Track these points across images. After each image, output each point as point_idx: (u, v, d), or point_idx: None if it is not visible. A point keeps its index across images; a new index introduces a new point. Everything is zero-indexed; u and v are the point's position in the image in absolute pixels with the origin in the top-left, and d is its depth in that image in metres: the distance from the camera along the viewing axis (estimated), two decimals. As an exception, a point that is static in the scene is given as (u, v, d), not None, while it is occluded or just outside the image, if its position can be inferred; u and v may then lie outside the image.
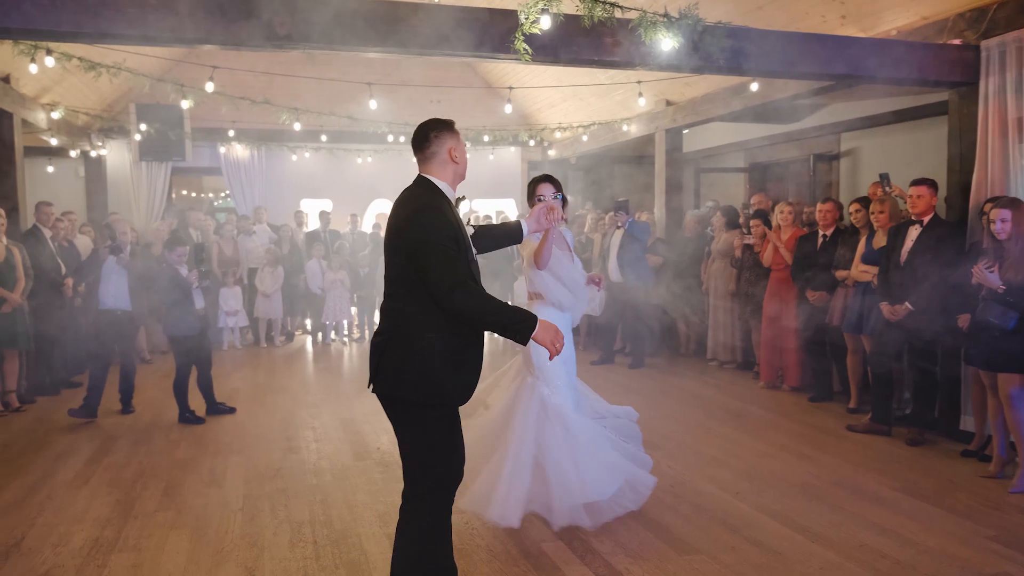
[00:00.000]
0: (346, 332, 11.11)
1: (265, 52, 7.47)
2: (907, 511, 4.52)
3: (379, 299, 9.72)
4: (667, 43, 4.76)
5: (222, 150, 11.66)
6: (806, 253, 7.13)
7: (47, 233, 7.83)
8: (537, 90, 11.60)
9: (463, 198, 3.27)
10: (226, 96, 8.57)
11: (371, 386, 3.08)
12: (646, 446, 4.78)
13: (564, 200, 4.36)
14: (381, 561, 3.86)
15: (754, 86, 7.84)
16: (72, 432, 6.40)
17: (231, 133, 10.94)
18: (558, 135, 12.76)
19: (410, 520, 3.08)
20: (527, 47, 4.09)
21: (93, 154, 10.89)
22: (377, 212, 12.56)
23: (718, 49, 4.87)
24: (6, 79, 7.48)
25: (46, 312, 7.42)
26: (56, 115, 8.56)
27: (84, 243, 9.01)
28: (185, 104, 8.40)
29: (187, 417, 6.55)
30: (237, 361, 9.75)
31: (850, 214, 6.69)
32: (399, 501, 3.12)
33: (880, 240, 6.15)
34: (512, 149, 13.53)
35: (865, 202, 6.58)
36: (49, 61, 5.89)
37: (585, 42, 4.75)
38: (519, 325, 2.91)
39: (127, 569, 3.90)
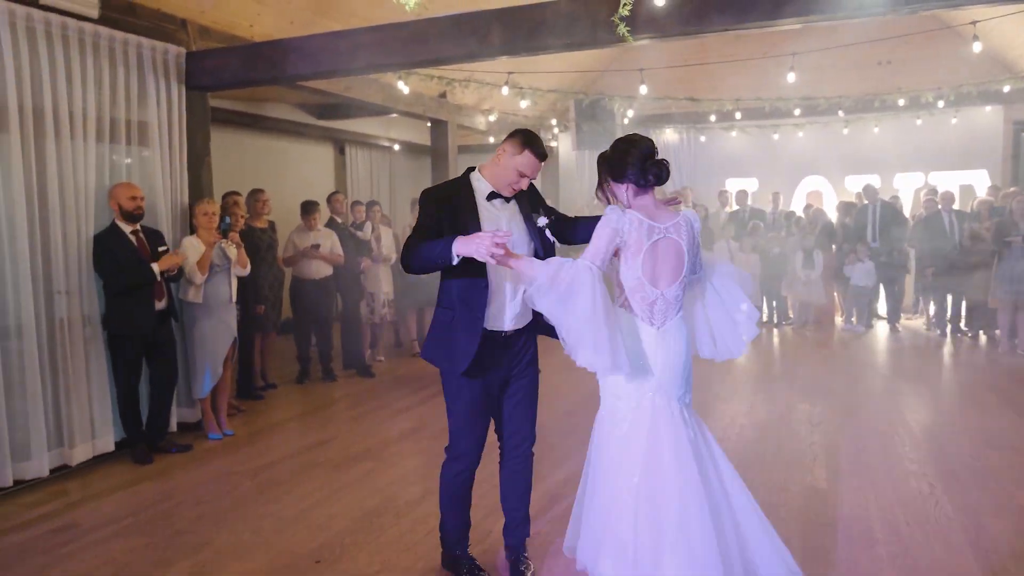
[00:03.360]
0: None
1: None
2: None
3: (786, 283, 9.56)
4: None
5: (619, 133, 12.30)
6: None
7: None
8: (1016, 28, 9.48)
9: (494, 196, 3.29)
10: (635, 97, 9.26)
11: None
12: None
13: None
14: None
15: None
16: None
17: (628, 116, 11.53)
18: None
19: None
20: (628, 28, 3.85)
21: (542, 146, 12.72)
22: (808, 191, 11.92)
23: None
24: (443, 95, 9.38)
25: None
26: (492, 118, 10.34)
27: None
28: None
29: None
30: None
31: None
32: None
33: None
34: (988, 108, 11.32)
35: None
36: (400, 85, 7.48)
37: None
38: (440, 249, 3.06)
39: (361, 472, 5.02)
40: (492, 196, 3.29)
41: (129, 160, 5.43)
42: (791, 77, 7.83)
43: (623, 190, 3.11)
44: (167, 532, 4.19)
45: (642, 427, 3.04)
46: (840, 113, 10.74)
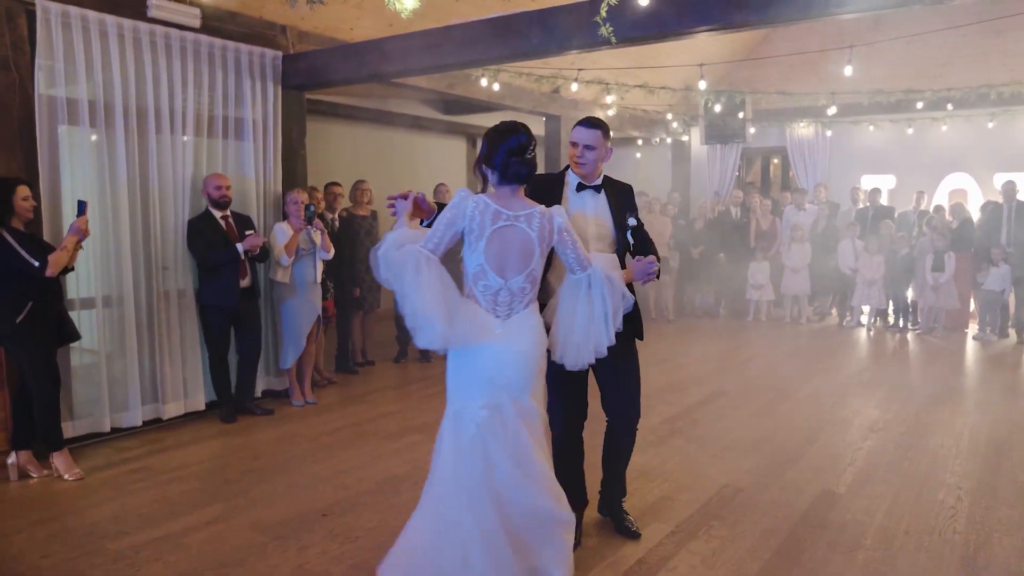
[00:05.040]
0: (872, 318, 10.30)
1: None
2: None
3: (916, 286, 9.04)
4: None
5: (744, 130, 11.88)
6: None
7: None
8: None
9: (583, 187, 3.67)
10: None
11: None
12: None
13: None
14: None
15: None
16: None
17: (742, 116, 11.14)
18: None
19: None
20: (610, 28, 3.86)
21: (668, 140, 12.65)
22: (951, 188, 11.00)
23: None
24: (556, 90, 9.62)
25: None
26: (611, 113, 10.42)
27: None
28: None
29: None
30: (730, 332, 10.30)
31: None
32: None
33: None
34: None
35: None
36: (490, 83, 7.79)
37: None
38: None
39: (407, 443, 5.43)
40: (580, 187, 3.65)
41: (224, 153, 6.14)
42: (848, 71, 7.34)
43: (490, 174, 3.12)
44: (218, 480, 4.81)
45: (480, 432, 3.04)
46: (949, 106, 9.90)
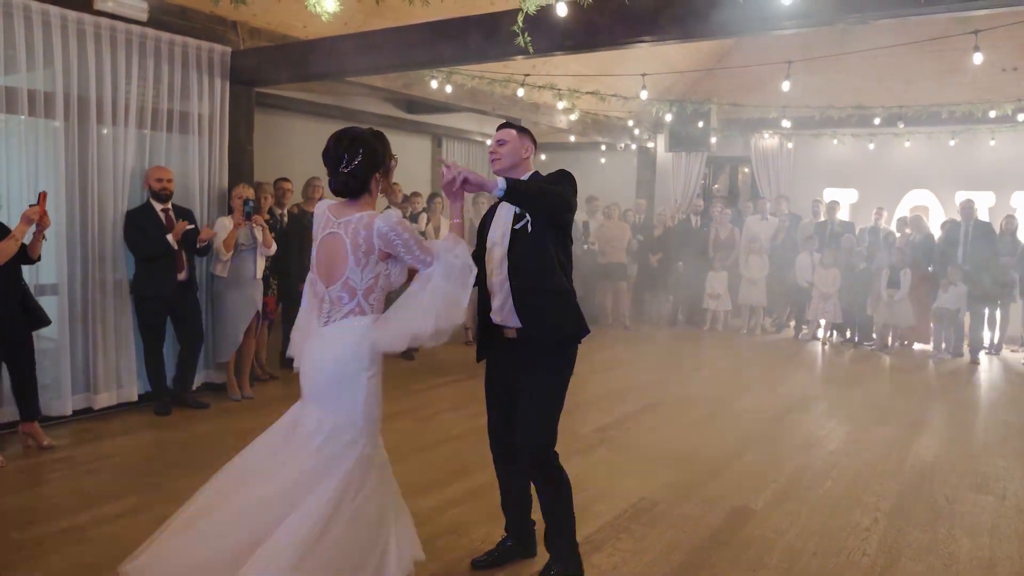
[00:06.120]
0: (827, 332, 10.40)
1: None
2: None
3: (871, 302, 9.11)
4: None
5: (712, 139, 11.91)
6: None
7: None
8: None
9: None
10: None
11: None
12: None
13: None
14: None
15: None
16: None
17: (702, 126, 11.20)
18: None
19: None
20: (529, 36, 3.88)
21: (633, 147, 12.68)
22: (912, 205, 11.09)
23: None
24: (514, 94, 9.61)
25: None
26: (573, 117, 10.45)
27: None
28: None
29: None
30: (684, 341, 10.34)
31: None
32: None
33: None
34: None
35: None
36: (441, 85, 7.81)
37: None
38: None
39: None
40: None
41: (168, 147, 6.11)
42: (785, 86, 7.40)
43: None
44: (137, 473, 4.79)
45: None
46: (900, 124, 10.03)
